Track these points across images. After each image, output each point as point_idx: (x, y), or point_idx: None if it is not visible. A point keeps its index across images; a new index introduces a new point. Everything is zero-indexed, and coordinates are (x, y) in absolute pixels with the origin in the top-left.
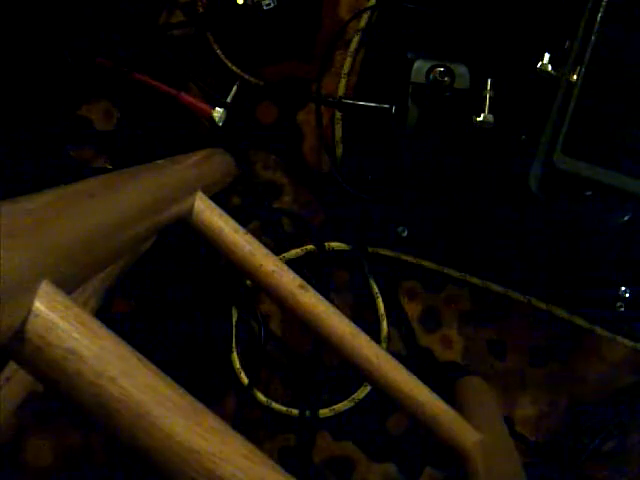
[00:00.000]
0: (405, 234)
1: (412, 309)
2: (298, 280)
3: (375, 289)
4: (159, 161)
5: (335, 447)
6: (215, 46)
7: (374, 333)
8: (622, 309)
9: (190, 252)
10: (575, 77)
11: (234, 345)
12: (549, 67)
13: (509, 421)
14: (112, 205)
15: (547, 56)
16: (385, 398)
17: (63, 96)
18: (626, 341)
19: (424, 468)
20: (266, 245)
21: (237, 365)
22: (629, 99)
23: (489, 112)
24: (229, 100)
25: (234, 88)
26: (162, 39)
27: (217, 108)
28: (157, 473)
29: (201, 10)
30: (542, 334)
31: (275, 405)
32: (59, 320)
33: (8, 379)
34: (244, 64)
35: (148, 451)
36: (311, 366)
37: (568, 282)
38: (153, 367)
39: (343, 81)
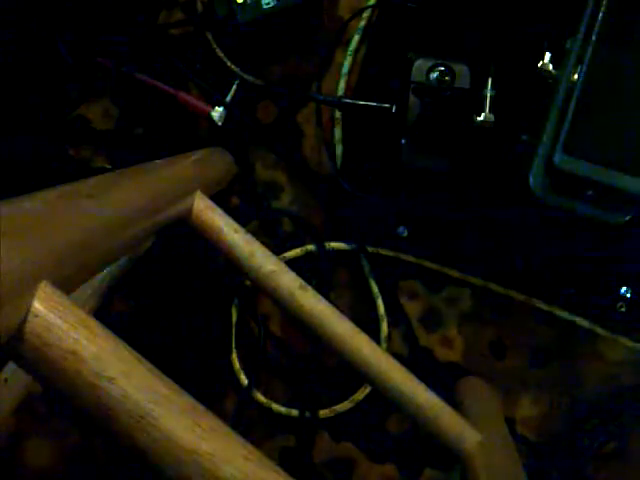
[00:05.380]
0: (405, 234)
1: (412, 309)
2: (298, 280)
3: (375, 289)
4: (159, 161)
5: (335, 447)
6: (215, 46)
7: (374, 333)
8: (623, 309)
9: (190, 252)
10: (575, 77)
11: (234, 345)
12: (549, 67)
13: (510, 421)
14: (112, 205)
15: (547, 56)
16: (385, 398)
17: (62, 96)
18: (627, 341)
19: (424, 468)
20: (266, 245)
21: (237, 366)
22: (629, 99)
23: (489, 112)
24: (228, 100)
25: (233, 87)
26: (162, 38)
27: (216, 107)
28: (156, 474)
29: (201, 9)
30: (542, 334)
31: (275, 405)
32: (58, 320)
33: (7, 379)
34: (244, 63)
35: (147, 452)
36: (311, 366)
37: (569, 282)
38: (153, 367)
39: (343, 81)
